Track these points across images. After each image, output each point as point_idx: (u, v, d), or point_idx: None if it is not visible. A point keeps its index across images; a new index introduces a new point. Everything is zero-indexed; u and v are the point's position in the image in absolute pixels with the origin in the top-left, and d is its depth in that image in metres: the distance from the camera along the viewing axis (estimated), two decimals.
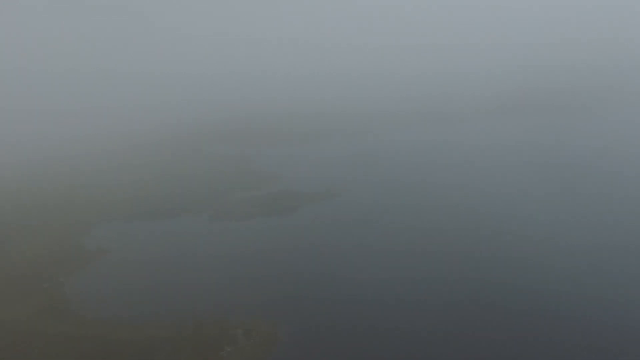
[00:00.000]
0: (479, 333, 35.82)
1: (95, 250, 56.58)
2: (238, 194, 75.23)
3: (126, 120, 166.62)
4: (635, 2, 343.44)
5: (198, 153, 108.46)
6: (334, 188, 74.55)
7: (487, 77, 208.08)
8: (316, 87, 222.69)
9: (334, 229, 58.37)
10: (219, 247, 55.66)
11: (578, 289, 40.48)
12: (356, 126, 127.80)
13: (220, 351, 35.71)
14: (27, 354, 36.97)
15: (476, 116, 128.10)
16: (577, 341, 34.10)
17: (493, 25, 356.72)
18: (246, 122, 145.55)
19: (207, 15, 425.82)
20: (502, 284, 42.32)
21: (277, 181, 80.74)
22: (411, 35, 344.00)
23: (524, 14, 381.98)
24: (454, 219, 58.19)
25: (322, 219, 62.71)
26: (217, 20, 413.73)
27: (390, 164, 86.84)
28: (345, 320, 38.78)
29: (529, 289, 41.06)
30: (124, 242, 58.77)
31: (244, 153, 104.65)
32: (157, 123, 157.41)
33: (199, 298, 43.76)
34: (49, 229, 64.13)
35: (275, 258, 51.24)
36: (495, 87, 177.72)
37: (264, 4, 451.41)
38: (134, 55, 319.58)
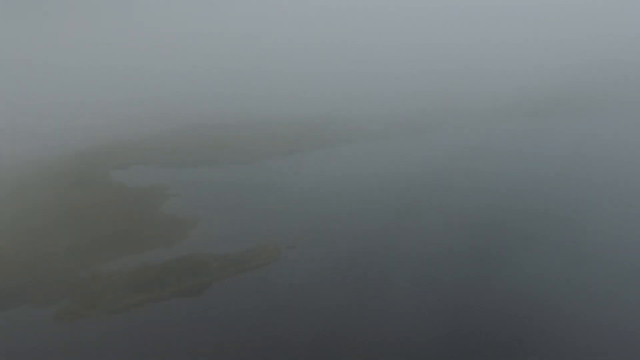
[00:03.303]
0: None
1: None
2: (121, 261, 50.21)
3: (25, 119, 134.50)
4: None
5: (99, 180, 78.89)
6: (274, 243, 50.20)
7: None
8: (319, 88, 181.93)
9: (253, 326, 33.87)
10: None
11: None
12: (347, 135, 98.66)
13: None
14: None
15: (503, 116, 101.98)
16: None
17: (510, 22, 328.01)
18: (210, 128, 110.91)
19: (204, 11, 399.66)
20: None
21: (190, 233, 55.87)
22: (415, 34, 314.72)
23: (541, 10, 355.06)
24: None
25: (238, 306, 38.59)
26: (213, 17, 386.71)
27: (377, 199, 61.10)
28: None
29: None
30: None
31: (167, 179, 76.24)
32: (74, 125, 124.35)
33: None
34: None
35: None
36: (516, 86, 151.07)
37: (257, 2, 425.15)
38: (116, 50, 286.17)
